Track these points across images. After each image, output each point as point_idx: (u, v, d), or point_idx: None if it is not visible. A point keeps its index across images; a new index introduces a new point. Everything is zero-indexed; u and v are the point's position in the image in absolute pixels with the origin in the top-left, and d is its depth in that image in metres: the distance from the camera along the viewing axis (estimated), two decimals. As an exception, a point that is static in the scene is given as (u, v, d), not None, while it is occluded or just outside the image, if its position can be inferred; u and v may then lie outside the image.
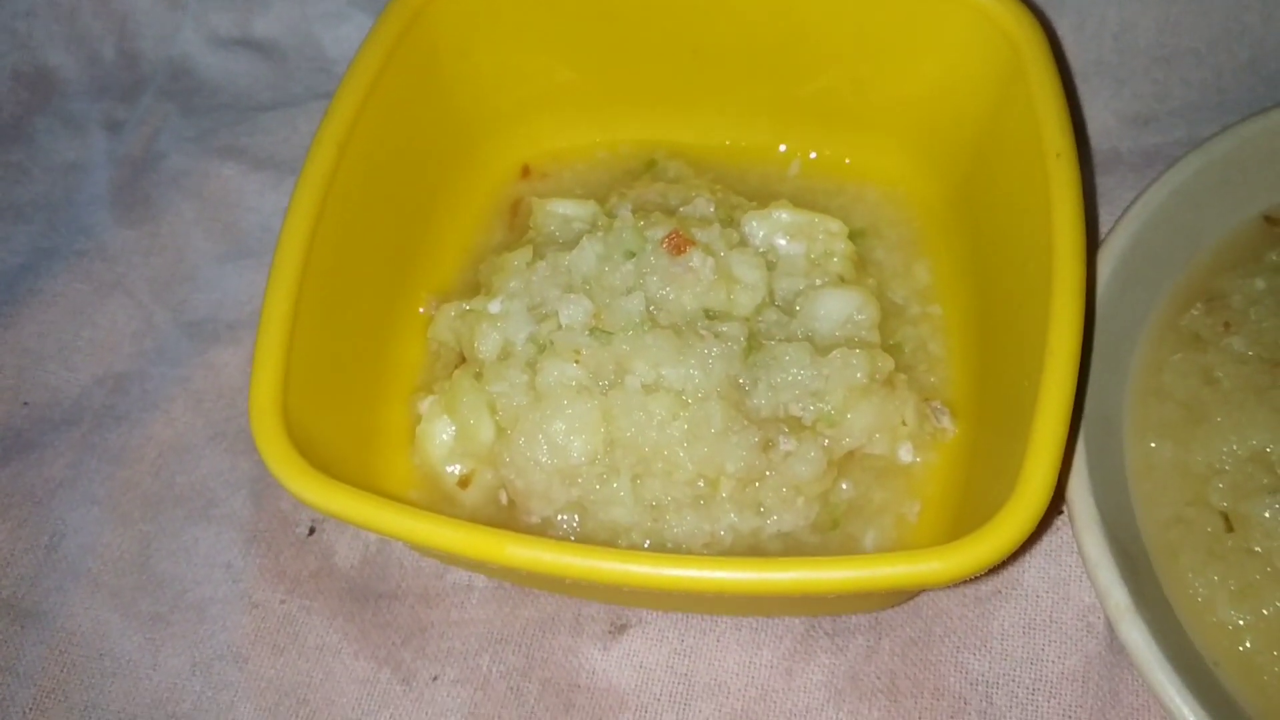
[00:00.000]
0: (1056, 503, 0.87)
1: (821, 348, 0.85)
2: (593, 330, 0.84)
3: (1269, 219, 0.95)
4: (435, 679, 0.86)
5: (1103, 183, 1.04)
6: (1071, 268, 0.76)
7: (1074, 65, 1.09)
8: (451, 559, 0.87)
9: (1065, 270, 0.76)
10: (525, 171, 1.05)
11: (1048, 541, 0.88)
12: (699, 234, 0.87)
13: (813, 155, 1.03)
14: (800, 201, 0.93)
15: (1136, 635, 0.74)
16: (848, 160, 1.03)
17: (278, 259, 0.81)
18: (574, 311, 0.84)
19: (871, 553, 0.83)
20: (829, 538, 0.84)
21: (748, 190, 0.98)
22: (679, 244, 0.86)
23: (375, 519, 0.73)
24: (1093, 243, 0.94)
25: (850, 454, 0.85)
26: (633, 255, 0.86)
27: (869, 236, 0.98)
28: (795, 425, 0.83)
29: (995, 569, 0.74)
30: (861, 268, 0.94)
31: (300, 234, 0.82)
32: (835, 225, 0.92)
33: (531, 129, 1.05)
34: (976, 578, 0.70)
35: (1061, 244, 0.77)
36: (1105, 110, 1.09)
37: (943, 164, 0.98)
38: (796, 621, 0.86)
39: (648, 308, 0.85)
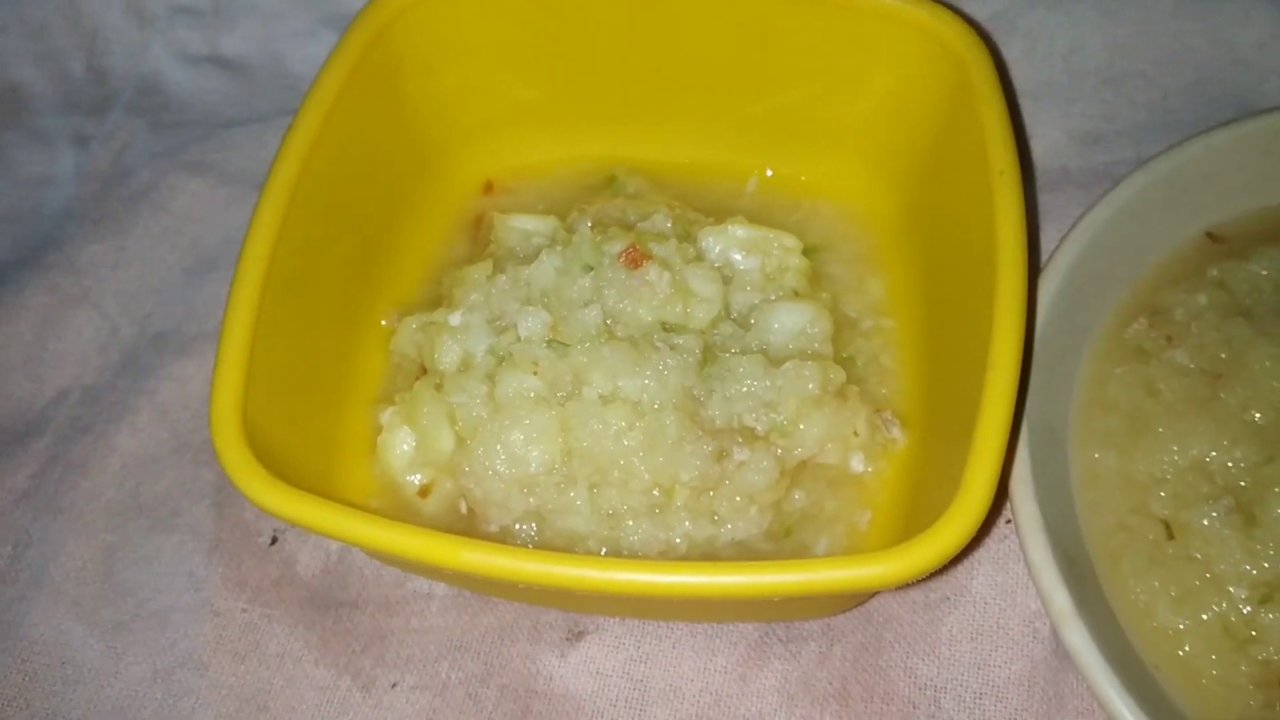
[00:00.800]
0: (1003, 510, 0.89)
1: (775, 360, 0.87)
2: (550, 342, 0.85)
3: (1211, 236, 0.97)
4: (394, 686, 0.87)
5: (1051, 200, 1.06)
6: (1013, 282, 0.78)
7: (1024, 86, 1.11)
8: (410, 565, 0.88)
9: (1006, 285, 0.78)
10: (488, 187, 1.07)
11: (995, 549, 0.89)
12: (656, 249, 0.89)
13: (769, 172, 1.05)
14: (757, 217, 0.95)
15: (1078, 639, 0.75)
16: (803, 177, 1.04)
17: (240, 271, 0.82)
18: (532, 324, 0.85)
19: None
20: (782, 545, 0.86)
21: (706, 206, 1.00)
22: (636, 258, 0.87)
23: (335, 526, 0.74)
24: (1038, 259, 0.96)
25: (803, 464, 0.87)
26: (590, 269, 0.87)
27: (823, 252, 1.00)
28: (749, 435, 0.85)
29: (940, 572, 0.75)
30: (816, 282, 0.96)
31: (263, 247, 0.83)
32: (790, 241, 0.93)
33: (494, 145, 1.06)
34: (922, 581, 0.72)
35: (1003, 259, 0.79)
36: (1055, 129, 1.11)
37: (896, 181, 1.00)
38: (750, 628, 0.87)
39: (605, 320, 0.86)
